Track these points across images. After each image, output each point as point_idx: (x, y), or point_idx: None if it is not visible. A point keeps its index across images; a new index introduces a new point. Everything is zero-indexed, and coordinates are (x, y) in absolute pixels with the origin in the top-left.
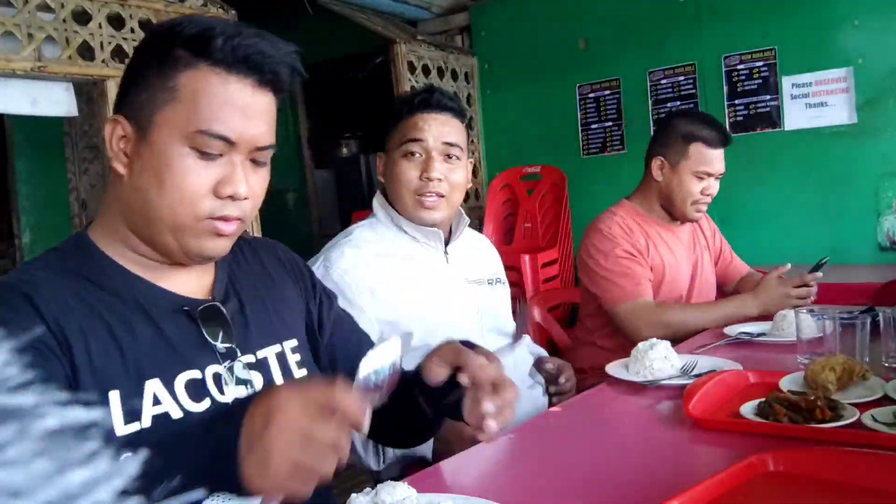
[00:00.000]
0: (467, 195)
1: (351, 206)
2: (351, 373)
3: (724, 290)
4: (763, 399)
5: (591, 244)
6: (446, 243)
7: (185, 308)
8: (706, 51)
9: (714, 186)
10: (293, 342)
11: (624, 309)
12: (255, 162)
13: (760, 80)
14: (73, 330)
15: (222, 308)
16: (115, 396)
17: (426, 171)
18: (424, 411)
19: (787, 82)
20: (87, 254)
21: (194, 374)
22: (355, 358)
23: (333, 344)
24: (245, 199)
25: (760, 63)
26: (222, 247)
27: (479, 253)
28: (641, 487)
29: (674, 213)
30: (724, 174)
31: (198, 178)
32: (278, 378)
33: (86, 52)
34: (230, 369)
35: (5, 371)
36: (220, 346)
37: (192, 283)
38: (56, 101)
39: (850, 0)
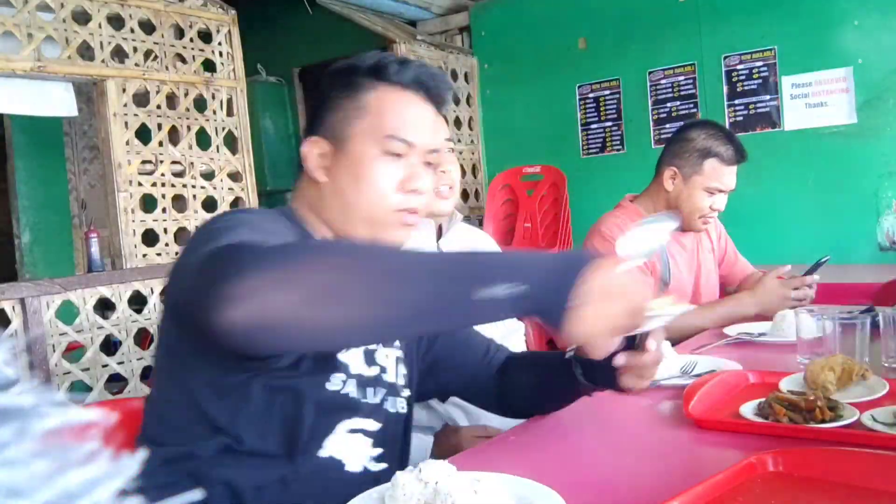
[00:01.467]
0: (467, 195)
1: None
2: None
3: (728, 290)
4: (763, 399)
5: (592, 246)
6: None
7: None
8: (706, 51)
9: (722, 201)
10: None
11: None
12: (427, 164)
13: (760, 80)
14: None
15: None
16: None
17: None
18: (578, 381)
19: (786, 82)
20: (306, 226)
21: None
22: None
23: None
24: (423, 193)
25: (760, 63)
26: (408, 237)
27: (474, 245)
28: (641, 487)
29: (679, 223)
30: (734, 190)
31: (387, 175)
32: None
33: (85, 51)
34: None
35: (5, 372)
36: None
37: None
38: (56, 101)
39: (850, 0)
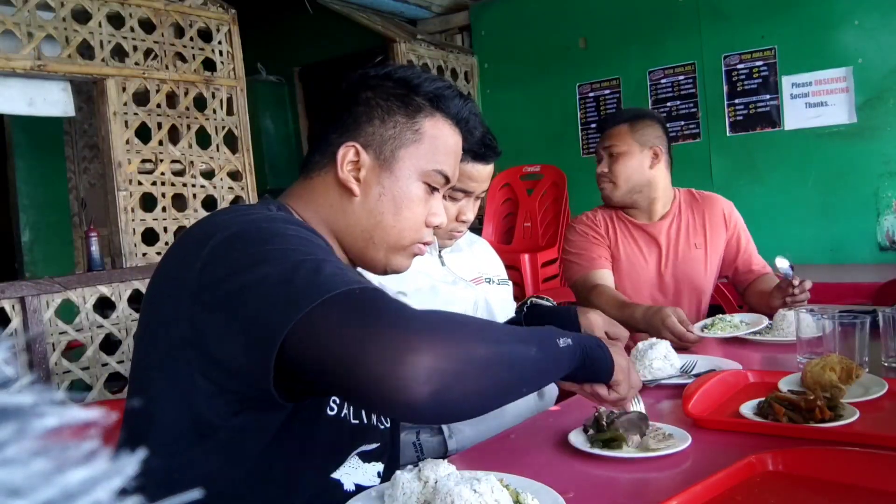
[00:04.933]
0: None
1: None
2: None
3: (739, 287)
4: (763, 399)
5: (564, 239)
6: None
7: None
8: (706, 50)
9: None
10: None
11: (575, 284)
12: (444, 197)
13: (760, 80)
14: None
15: None
16: None
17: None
18: None
19: (786, 82)
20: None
21: None
22: None
23: None
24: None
25: (760, 63)
26: (410, 265)
27: (475, 255)
28: (641, 487)
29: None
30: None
31: (423, 208)
32: None
33: (85, 50)
34: None
35: (4, 371)
36: None
37: None
38: (53, 101)
39: (850, 0)
